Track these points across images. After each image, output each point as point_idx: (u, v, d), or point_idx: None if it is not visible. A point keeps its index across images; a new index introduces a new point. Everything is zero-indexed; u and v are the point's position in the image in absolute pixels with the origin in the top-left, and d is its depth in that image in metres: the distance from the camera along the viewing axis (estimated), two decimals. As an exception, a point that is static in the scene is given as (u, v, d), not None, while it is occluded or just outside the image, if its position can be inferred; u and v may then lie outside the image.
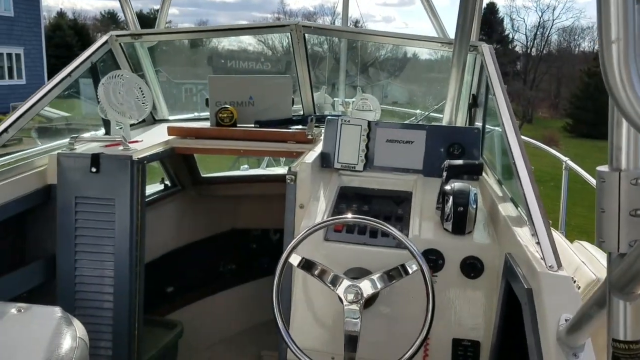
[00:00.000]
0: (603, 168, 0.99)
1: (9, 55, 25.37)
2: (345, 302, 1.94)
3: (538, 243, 1.67)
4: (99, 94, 2.77)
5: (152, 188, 3.85)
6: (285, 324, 2.00)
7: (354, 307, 1.94)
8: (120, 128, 2.86)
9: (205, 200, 4.16)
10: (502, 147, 2.54)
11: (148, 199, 3.55)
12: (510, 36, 40.80)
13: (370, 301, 2.06)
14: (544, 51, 40.45)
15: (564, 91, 35.71)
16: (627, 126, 0.94)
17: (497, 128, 2.73)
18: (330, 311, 2.16)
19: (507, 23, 40.66)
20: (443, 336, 2.08)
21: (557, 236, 2.82)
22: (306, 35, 3.30)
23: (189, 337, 3.55)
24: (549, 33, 40.35)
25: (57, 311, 1.74)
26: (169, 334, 3.26)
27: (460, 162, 2.30)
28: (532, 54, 40.08)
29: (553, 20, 39.84)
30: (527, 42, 40.48)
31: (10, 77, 25.45)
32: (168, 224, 3.84)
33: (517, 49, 40.77)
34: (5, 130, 2.52)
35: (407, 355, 1.89)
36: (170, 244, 3.85)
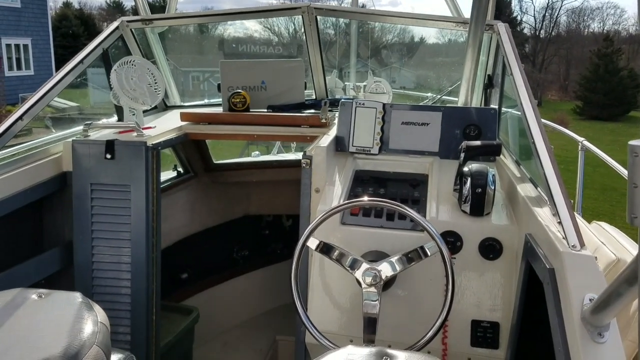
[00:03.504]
0: (636, 142, 0.97)
1: (17, 46, 25.40)
2: (363, 285, 1.94)
3: (560, 223, 1.65)
4: (111, 80, 2.76)
5: (165, 175, 3.85)
6: (304, 307, 2.00)
7: (373, 289, 1.93)
8: (133, 114, 2.85)
9: (217, 186, 4.16)
10: (519, 128, 2.51)
11: (161, 186, 3.56)
12: (519, 18, 40.38)
13: (388, 284, 2.05)
14: (553, 33, 40.07)
15: (574, 73, 35.34)
16: None
17: (512, 110, 2.70)
18: (348, 294, 2.16)
19: (515, 5, 40.23)
20: (462, 318, 2.07)
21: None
22: (318, 17, 3.26)
23: (205, 322, 3.57)
24: (557, 14, 39.97)
25: (77, 296, 1.74)
26: (185, 319, 3.28)
27: (478, 143, 2.27)
28: (541, 36, 39.69)
29: (562, 1, 39.41)
30: (535, 24, 40.14)
31: (19, 68, 25.50)
32: (181, 211, 3.85)
33: (525, 31, 40.33)
34: (20, 117, 2.52)
35: (427, 337, 1.89)
36: (183, 231, 3.86)
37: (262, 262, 4.40)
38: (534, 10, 46.36)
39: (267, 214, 4.45)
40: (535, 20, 40.24)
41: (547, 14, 39.81)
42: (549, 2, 39.57)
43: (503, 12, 36.77)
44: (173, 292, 3.79)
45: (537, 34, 39.87)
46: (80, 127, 2.71)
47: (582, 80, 31.41)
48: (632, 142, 0.98)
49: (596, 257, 2.24)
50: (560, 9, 39.99)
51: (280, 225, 4.48)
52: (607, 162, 4.35)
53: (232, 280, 4.26)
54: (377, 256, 2.09)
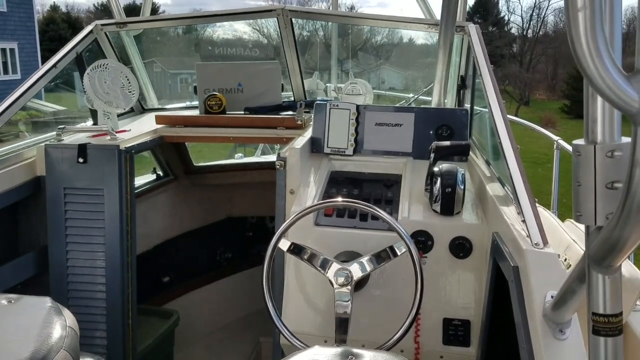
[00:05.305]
0: (579, 141, 0.99)
1: (3, 50, 25.18)
2: (335, 285, 1.95)
3: (524, 221, 1.67)
4: (84, 83, 2.76)
5: (145, 178, 3.84)
6: (276, 309, 2.00)
7: (344, 289, 1.94)
8: (108, 118, 2.85)
9: (199, 189, 4.15)
10: (490, 128, 2.54)
11: (141, 189, 3.55)
12: (506, 18, 40.55)
13: (361, 284, 2.07)
14: (540, 32, 40.21)
15: (561, 72, 35.45)
16: (601, 98, 0.93)
17: (485, 109, 2.73)
18: (322, 295, 2.17)
19: (502, 5, 40.48)
20: (434, 316, 2.08)
21: (548, 215, 2.82)
22: (293, 19, 3.28)
23: (187, 325, 3.56)
24: (545, 14, 40.13)
25: (47, 301, 1.74)
26: (165, 323, 3.28)
27: (447, 143, 2.29)
28: (529, 36, 39.88)
29: (549, 0, 39.61)
30: (523, 24, 40.29)
31: (5, 72, 25.28)
32: (162, 214, 3.84)
33: (513, 30, 40.50)
34: None
35: (397, 336, 1.90)
36: (165, 234, 3.85)
37: (245, 264, 4.40)
38: (522, 10, 46.76)
39: (250, 216, 4.44)
40: (523, 20, 40.41)
41: (534, 14, 40.02)
42: (536, 2, 39.77)
43: (490, 12, 36.99)
44: (155, 296, 3.77)
45: (525, 33, 40.07)
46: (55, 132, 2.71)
47: (569, 79, 31.56)
48: (575, 142, 1.00)
49: (563, 256, 2.26)
50: (547, 8, 40.22)
51: (263, 227, 4.48)
52: None
53: (216, 282, 4.25)
54: (350, 257, 2.09)
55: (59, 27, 33.17)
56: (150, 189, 3.72)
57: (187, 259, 4.04)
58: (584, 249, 2.42)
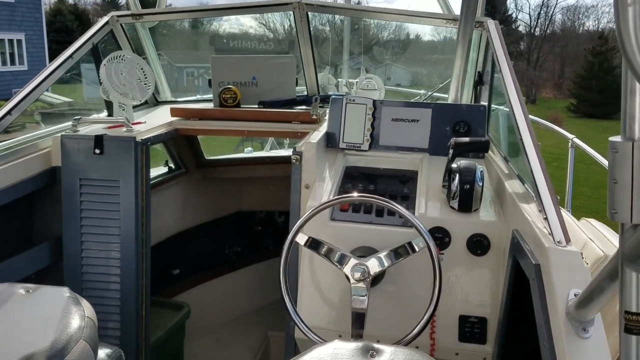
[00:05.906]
0: (616, 138, 0.98)
1: (10, 41, 25.26)
2: (352, 281, 1.95)
3: (546, 219, 1.66)
4: (100, 75, 2.76)
5: (156, 171, 3.85)
6: (292, 303, 2.00)
7: (361, 285, 1.94)
8: (123, 110, 2.85)
9: (209, 182, 4.16)
10: (508, 124, 2.52)
11: (152, 182, 3.55)
12: (514, 16, 40.45)
13: (377, 279, 2.06)
14: (548, 30, 40.07)
15: (568, 71, 35.36)
16: None
17: (502, 107, 2.71)
18: (337, 290, 2.16)
19: (510, 2, 40.23)
20: (450, 313, 2.08)
21: (564, 213, 2.81)
22: (309, 13, 3.26)
23: (196, 318, 3.57)
24: (552, 12, 39.99)
25: (65, 291, 1.74)
26: (176, 315, 3.28)
27: (466, 139, 2.28)
28: (536, 34, 39.74)
29: (557, -2, 39.45)
30: (530, 22, 40.15)
31: (12, 63, 25.36)
32: (173, 207, 3.85)
33: (520, 28, 40.37)
34: (9, 112, 2.51)
35: (414, 332, 1.90)
36: (175, 227, 3.86)
37: (254, 258, 4.41)
38: (529, 8, 46.59)
39: (259, 210, 4.45)
40: (531, 18, 40.32)
41: (542, 12, 39.87)
42: (544, 0, 39.68)
43: (498, 9, 36.84)
44: (165, 288, 3.79)
45: (532, 31, 39.93)
46: (70, 122, 2.71)
47: (576, 78, 31.46)
48: (612, 138, 0.99)
49: (582, 254, 2.25)
50: (555, 6, 40.05)
51: (272, 221, 4.48)
52: (597, 160, 4.38)
53: (225, 276, 4.26)
54: (366, 252, 2.09)
55: (66, 19, 33.23)
56: (161, 181, 3.72)
57: (197, 252, 4.05)
58: (602, 248, 2.41)
